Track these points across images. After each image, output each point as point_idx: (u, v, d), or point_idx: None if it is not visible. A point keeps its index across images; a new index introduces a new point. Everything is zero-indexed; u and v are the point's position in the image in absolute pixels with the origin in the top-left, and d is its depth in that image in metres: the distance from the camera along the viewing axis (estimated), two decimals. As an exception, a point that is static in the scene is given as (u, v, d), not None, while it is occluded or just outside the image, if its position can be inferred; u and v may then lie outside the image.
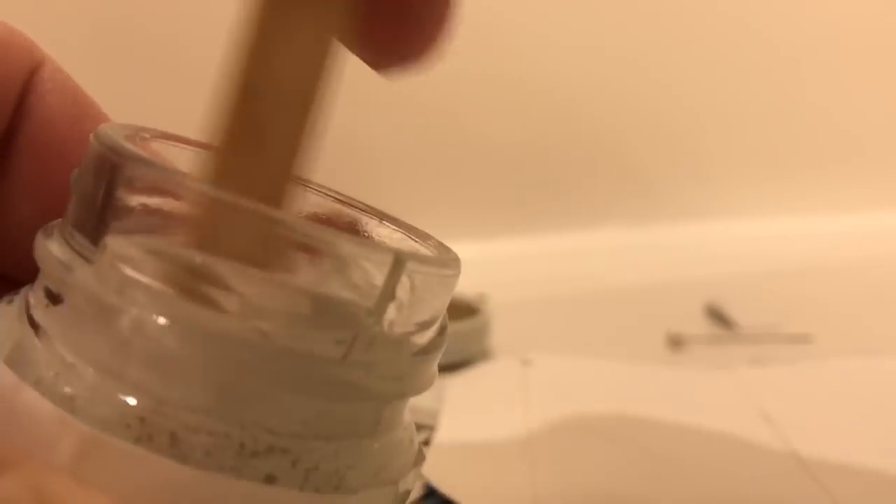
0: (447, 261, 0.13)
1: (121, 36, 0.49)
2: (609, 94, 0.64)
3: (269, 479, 0.11)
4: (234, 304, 0.11)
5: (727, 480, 0.27)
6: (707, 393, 0.35)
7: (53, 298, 0.11)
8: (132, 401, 0.10)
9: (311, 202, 0.15)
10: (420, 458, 0.13)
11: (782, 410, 0.32)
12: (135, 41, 0.50)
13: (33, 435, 0.10)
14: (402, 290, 0.12)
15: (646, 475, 0.28)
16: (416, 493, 0.26)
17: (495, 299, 0.43)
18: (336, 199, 0.15)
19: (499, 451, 0.29)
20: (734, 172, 0.68)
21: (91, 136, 0.12)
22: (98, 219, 0.11)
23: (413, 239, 0.14)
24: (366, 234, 0.15)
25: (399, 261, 0.11)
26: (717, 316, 0.46)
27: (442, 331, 0.13)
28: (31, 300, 0.12)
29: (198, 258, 0.11)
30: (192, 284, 0.11)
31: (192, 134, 0.14)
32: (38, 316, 0.11)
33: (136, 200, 0.11)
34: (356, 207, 0.15)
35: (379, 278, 0.11)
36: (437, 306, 0.13)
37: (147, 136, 0.13)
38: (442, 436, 0.30)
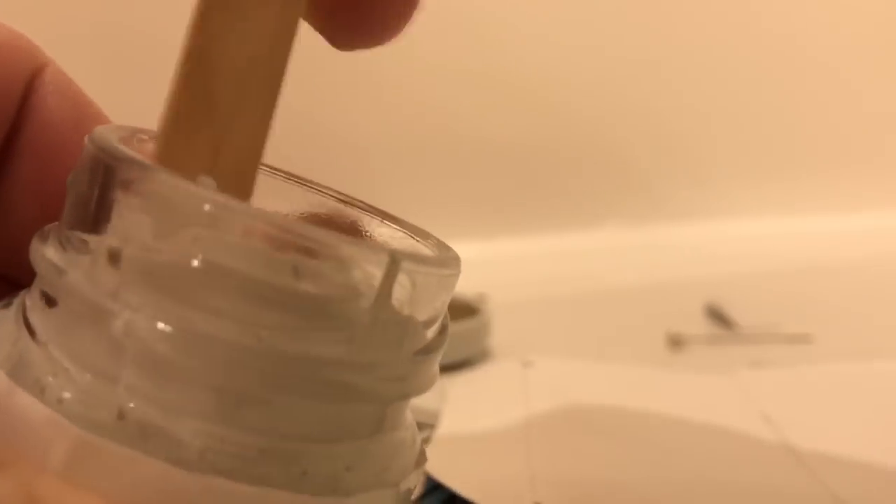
0: (446, 260, 0.13)
1: (122, 38, 0.50)
2: (609, 94, 0.64)
3: (267, 482, 0.10)
4: (230, 307, 0.11)
5: (727, 479, 0.27)
6: (707, 393, 0.35)
7: (48, 301, 0.11)
8: (126, 404, 0.10)
9: (311, 201, 0.15)
10: (422, 459, 0.13)
11: (782, 410, 0.32)
12: (136, 43, 0.50)
13: (27, 438, 0.10)
14: (401, 289, 0.12)
15: (645, 474, 0.28)
16: (417, 491, 0.26)
17: (495, 299, 0.43)
18: (337, 198, 0.15)
19: (498, 449, 0.29)
20: (734, 172, 0.68)
21: (85, 139, 0.12)
22: (92, 221, 0.11)
23: (414, 238, 0.14)
24: (366, 233, 0.15)
25: (394, 260, 0.11)
26: (717, 316, 0.46)
27: (443, 330, 0.13)
28: (28, 303, 0.12)
29: (193, 261, 0.11)
30: (187, 288, 0.11)
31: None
32: (34, 319, 0.11)
33: (129, 202, 0.11)
34: (357, 207, 0.15)
35: (376, 278, 0.11)
36: (437, 306, 0.13)
37: (145, 137, 0.13)
38: (442, 434, 0.30)
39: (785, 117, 0.70)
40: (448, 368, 0.35)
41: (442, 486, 0.25)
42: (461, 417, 0.32)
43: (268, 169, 0.15)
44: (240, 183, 0.12)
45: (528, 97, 0.61)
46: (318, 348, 0.11)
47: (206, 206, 0.11)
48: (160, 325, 0.10)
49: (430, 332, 0.13)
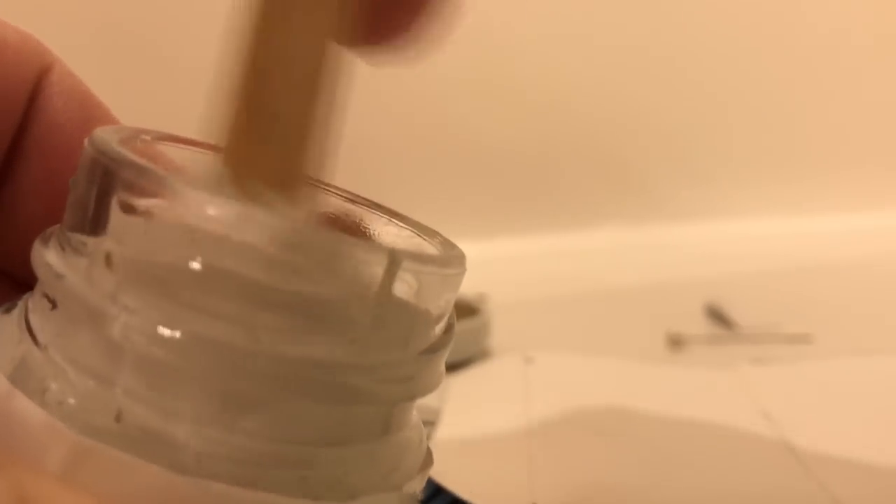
0: (449, 259, 0.13)
1: (127, 37, 0.50)
2: (608, 94, 0.64)
3: (265, 487, 0.10)
4: (227, 309, 0.10)
5: (727, 478, 0.27)
6: (708, 391, 0.35)
7: (49, 304, 0.11)
8: (124, 408, 0.10)
9: (318, 200, 0.15)
10: (428, 461, 0.13)
11: (782, 409, 0.32)
12: (141, 43, 0.50)
13: (25, 441, 0.10)
14: (404, 289, 0.12)
15: (645, 472, 0.28)
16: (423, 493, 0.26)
17: (495, 299, 0.43)
18: (343, 196, 0.15)
19: (499, 446, 0.29)
20: (734, 173, 0.68)
21: (85, 140, 0.12)
22: (91, 223, 0.11)
23: (420, 236, 0.14)
24: (371, 232, 0.15)
25: (395, 260, 0.11)
26: (717, 316, 0.46)
27: (449, 329, 0.13)
28: (30, 306, 0.12)
29: (192, 263, 0.11)
30: (185, 290, 0.11)
31: (198, 135, 0.14)
32: (35, 322, 0.11)
33: (126, 204, 0.11)
34: (363, 205, 0.15)
35: (377, 278, 0.11)
36: (441, 304, 0.12)
37: (148, 138, 0.13)
38: (443, 431, 0.30)
39: (784, 117, 0.70)
40: (448, 368, 0.35)
41: (444, 489, 0.25)
42: (462, 414, 0.32)
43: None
44: (301, 194, 0.12)
45: (527, 98, 0.61)
46: (319, 350, 0.11)
47: (204, 208, 0.11)
48: (158, 328, 0.10)
49: (436, 331, 0.13)
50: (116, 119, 0.15)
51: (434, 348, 0.12)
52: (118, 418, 0.10)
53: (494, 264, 0.48)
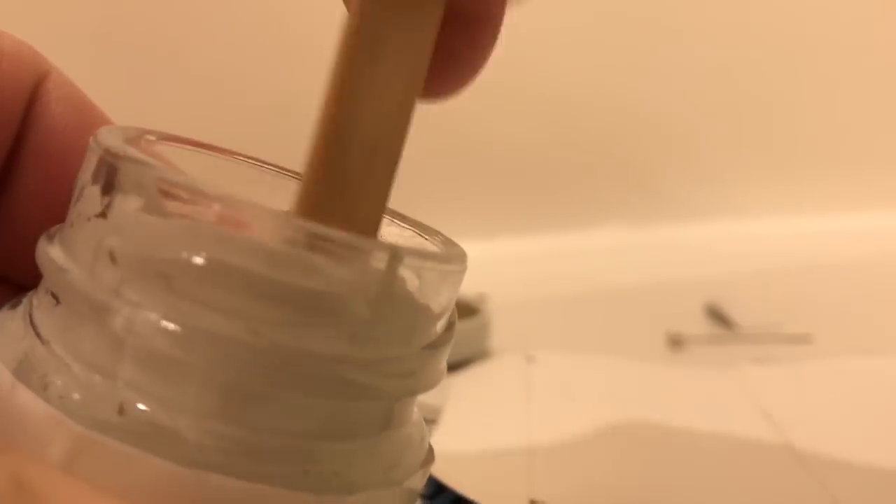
0: (450, 256, 0.13)
1: (125, 39, 0.50)
2: (608, 95, 0.64)
3: (265, 479, 0.10)
4: (228, 302, 0.11)
5: (727, 478, 0.27)
6: (708, 390, 0.35)
7: (53, 300, 0.11)
8: (126, 400, 0.10)
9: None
10: (430, 458, 0.13)
11: (782, 409, 0.32)
12: (139, 45, 0.50)
13: (27, 434, 0.10)
14: (406, 285, 0.12)
15: (645, 471, 0.28)
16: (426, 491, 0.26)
17: (495, 299, 0.43)
18: None
19: (499, 444, 0.29)
20: (734, 172, 0.68)
21: (91, 138, 0.12)
22: (95, 219, 0.11)
23: (421, 236, 0.14)
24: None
25: (396, 256, 0.11)
26: (717, 316, 0.46)
27: (450, 326, 0.13)
28: (35, 302, 0.12)
29: (194, 258, 0.11)
30: (187, 284, 0.11)
31: (196, 136, 0.14)
32: (39, 317, 0.12)
33: (133, 202, 0.11)
34: None
35: (378, 274, 0.11)
36: (442, 301, 0.13)
37: (152, 138, 0.14)
38: (444, 430, 0.30)
39: (784, 118, 0.70)
40: (448, 368, 0.35)
41: (447, 488, 0.25)
42: (463, 413, 0.32)
43: (277, 168, 0.15)
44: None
45: (528, 99, 0.61)
46: (319, 344, 0.11)
47: (207, 202, 0.11)
48: (160, 322, 0.10)
49: (438, 328, 0.13)
50: (113, 122, 0.15)
51: (436, 344, 0.12)
52: (121, 411, 0.10)
53: (494, 264, 0.48)
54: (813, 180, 0.70)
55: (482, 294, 0.43)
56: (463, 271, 0.13)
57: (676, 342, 0.42)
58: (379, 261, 0.11)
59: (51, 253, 0.12)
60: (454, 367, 0.37)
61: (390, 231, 0.15)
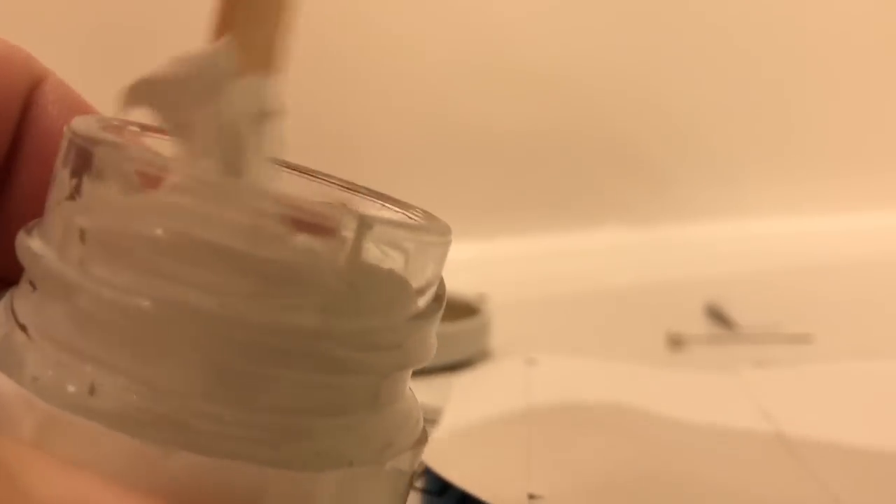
0: (429, 227, 0.13)
1: (121, 38, 0.50)
2: (609, 94, 0.64)
3: (237, 456, 0.10)
4: (198, 278, 0.11)
5: (726, 478, 0.27)
6: (708, 391, 0.35)
7: (31, 287, 0.12)
8: (97, 379, 0.10)
9: (300, 186, 0.15)
10: (423, 438, 0.13)
11: (782, 409, 0.32)
12: (134, 44, 0.50)
13: (1, 415, 0.11)
14: (382, 257, 0.11)
15: (645, 471, 0.28)
16: (432, 488, 0.26)
17: (495, 299, 0.43)
18: (323, 180, 0.15)
19: (499, 444, 0.29)
20: (734, 172, 0.68)
21: (65, 128, 0.12)
22: (65, 201, 0.12)
23: (402, 212, 0.14)
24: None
25: (364, 223, 0.11)
26: (717, 316, 0.46)
27: (438, 299, 0.13)
28: (16, 293, 0.12)
29: (159, 231, 0.11)
30: (153, 258, 0.11)
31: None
32: (18, 305, 0.12)
33: (101, 181, 0.11)
34: (343, 187, 0.15)
35: (347, 243, 0.11)
36: (426, 274, 0.12)
37: (136, 128, 0.14)
38: (444, 429, 0.30)
39: (785, 118, 0.70)
40: (448, 369, 0.35)
41: (453, 486, 0.25)
42: (465, 414, 0.32)
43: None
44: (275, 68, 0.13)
45: (528, 98, 0.61)
46: (289, 316, 0.11)
47: (170, 175, 0.11)
48: (126, 298, 0.10)
49: (423, 300, 0.12)
50: None
51: (421, 316, 0.12)
52: (91, 391, 0.10)
53: (494, 264, 0.48)
54: (813, 180, 0.70)
55: (482, 294, 0.43)
56: (446, 243, 0.13)
57: (676, 342, 0.42)
58: (348, 230, 0.11)
59: (27, 242, 0.12)
60: (454, 367, 0.37)
61: (369, 207, 0.15)
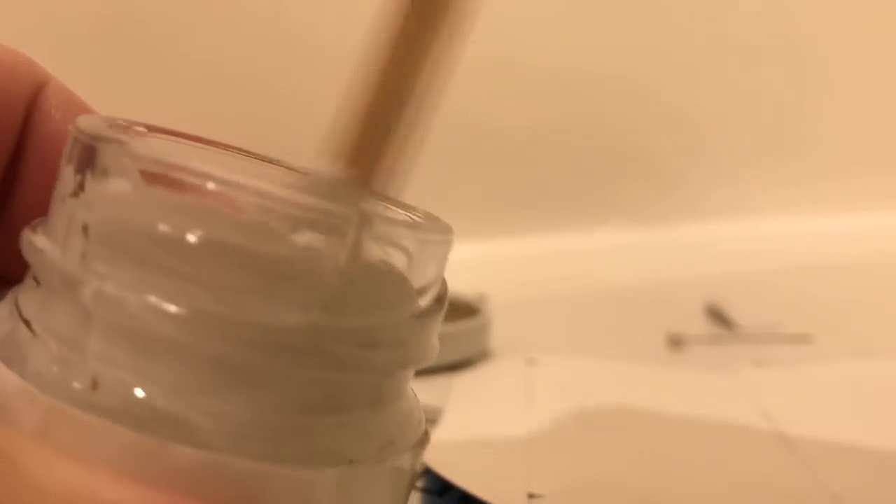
0: (430, 226, 0.13)
1: (120, 37, 0.50)
2: (609, 95, 0.64)
3: (239, 452, 0.10)
4: (198, 274, 0.11)
5: (726, 477, 0.27)
6: (709, 391, 0.35)
7: (35, 283, 0.12)
8: (98, 374, 0.11)
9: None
10: (425, 439, 0.13)
11: (782, 409, 0.32)
12: (135, 46, 0.50)
13: (4, 408, 0.11)
14: (382, 256, 0.11)
15: (645, 470, 0.28)
16: (434, 488, 0.26)
17: (495, 299, 0.43)
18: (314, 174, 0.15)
19: (499, 443, 0.29)
20: (734, 172, 0.68)
21: (70, 126, 0.12)
22: (69, 198, 0.12)
23: (404, 212, 0.14)
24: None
25: (364, 219, 0.11)
26: (717, 316, 0.46)
27: (440, 299, 0.13)
28: (21, 288, 0.12)
29: (162, 228, 0.11)
30: (155, 255, 0.11)
31: (190, 130, 0.14)
32: (22, 300, 0.12)
33: (104, 178, 0.11)
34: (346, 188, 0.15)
35: (347, 240, 0.11)
36: (428, 273, 0.12)
37: (142, 129, 0.14)
38: (444, 429, 0.30)
39: (785, 118, 0.70)
40: (448, 369, 0.35)
41: (454, 486, 0.25)
42: (464, 412, 0.32)
43: (268, 159, 0.15)
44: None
45: (529, 97, 0.61)
46: (288, 312, 0.11)
47: (172, 172, 0.11)
48: (126, 293, 0.10)
49: (425, 299, 0.12)
50: None
51: (423, 315, 0.12)
52: (94, 385, 0.11)
53: (494, 264, 0.48)
54: (814, 180, 0.70)
55: (482, 294, 0.43)
56: (447, 242, 0.13)
57: (676, 342, 0.42)
58: (348, 227, 0.11)
59: (32, 238, 0.12)
60: (454, 367, 0.37)
61: (369, 206, 0.15)
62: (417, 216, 0.14)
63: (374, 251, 0.11)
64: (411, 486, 0.13)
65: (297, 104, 0.49)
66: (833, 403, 0.34)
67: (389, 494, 0.12)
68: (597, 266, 0.56)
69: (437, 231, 0.13)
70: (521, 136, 0.61)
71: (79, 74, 0.16)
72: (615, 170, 0.65)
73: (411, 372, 0.13)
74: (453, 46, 0.14)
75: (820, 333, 0.42)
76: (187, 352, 0.11)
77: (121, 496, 0.09)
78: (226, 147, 0.15)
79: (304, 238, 0.11)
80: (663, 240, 0.61)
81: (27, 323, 0.11)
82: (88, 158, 0.11)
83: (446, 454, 0.27)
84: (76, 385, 0.11)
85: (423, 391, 0.14)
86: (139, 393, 0.10)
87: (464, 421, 0.31)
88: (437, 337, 0.13)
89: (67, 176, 0.12)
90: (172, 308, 0.10)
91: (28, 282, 0.12)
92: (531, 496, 0.25)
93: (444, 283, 0.13)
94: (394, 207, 0.15)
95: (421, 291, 0.12)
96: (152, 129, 0.14)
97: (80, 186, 0.11)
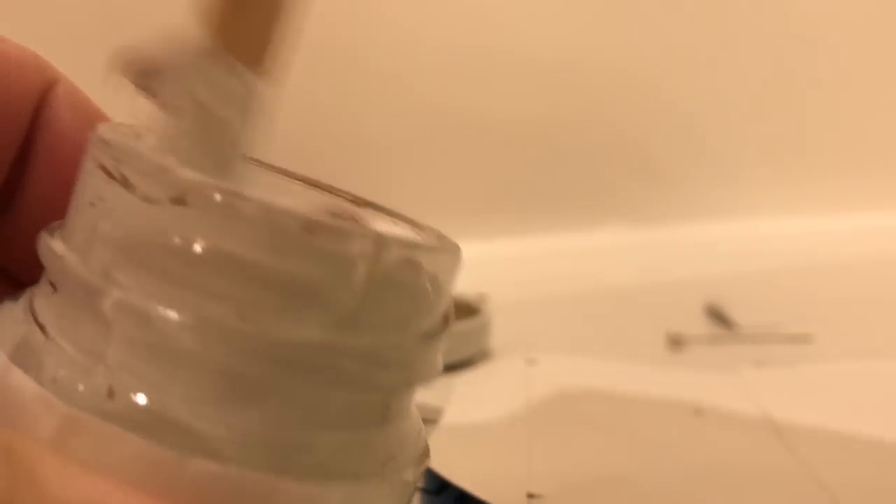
0: (442, 247, 0.13)
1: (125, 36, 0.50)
2: (610, 94, 0.64)
3: (255, 466, 0.11)
4: (219, 289, 0.11)
5: (726, 477, 0.27)
6: (709, 391, 0.35)
7: (51, 288, 0.12)
8: (115, 383, 0.11)
9: (311, 199, 0.15)
10: (426, 453, 0.13)
11: (782, 409, 0.32)
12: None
13: (19, 414, 0.11)
14: (396, 275, 0.12)
15: (645, 470, 0.28)
16: (430, 487, 0.26)
17: (495, 299, 0.43)
18: (339, 195, 0.15)
19: (498, 443, 0.29)
20: (734, 172, 0.68)
21: (91, 132, 0.12)
22: (87, 207, 0.12)
23: (414, 230, 0.15)
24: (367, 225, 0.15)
25: (382, 243, 0.11)
26: (717, 316, 0.46)
27: (446, 319, 0.13)
28: (36, 292, 0.12)
29: (179, 241, 0.11)
30: (175, 268, 0.11)
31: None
32: (38, 305, 0.12)
33: (127, 189, 0.11)
34: (358, 203, 0.15)
35: (364, 261, 0.11)
36: (439, 295, 0.13)
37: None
38: (444, 429, 0.30)
39: (785, 118, 0.70)
40: (448, 368, 0.35)
41: (451, 485, 0.25)
42: (465, 413, 0.32)
43: (281, 170, 0.15)
44: (269, 70, 0.13)
45: (529, 97, 0.61)
46: (306, 330, 0.11)
47: (190, 186, 0.11)
48: (147, 305, 0.11)
49: (433, 319, 0.13)
50: None
51: (431, 335, 0.12)
52: (110, 394, 0.11)
53: (494, 264, 0.48)
54: (813, 180, 0.70)
55: (482, 294, 0.43)
56: (457, 263, 0.13)
57: (676, 342, 0.42)
58: (365, 247, 0.11)
59: (50, 244, 0.12)
60: (454, 367, 0.37)
61: (383, 225, 0.15)
62: (428, 236, 0.14)
63: (388, 271, 0.11)
64: (412, 499, 0.13)
65: (290, 98, 0.49)
66: (833, 403, 0.34)
67: None
68: (597, 266, 0.56)
69: (448, 252, 0.13)
70: (520, 135, 0.61)
71: (83, 74, 0.16)
72: (615, 170, 0.65)
73: (415, 389, 0.13)
74: None
75: (820, 333, 0.42)
76: (204, 364, 0.11)
77: None
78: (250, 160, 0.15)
79: (321, 255, 0.11)
80: (663, 240, 0.61)
81: (42, 328, 0.12)
82: (109, 168, 0.11)
83: (445, 453, 0.27)
84: (93, 393, 0.11)
85: (423, 391, 0.14)
86: (154, 403, 0.11)
87: (463, 420, 0.31)
88: (442, 356, 0.13)
89: (88, 184, 0.12)
90: (192, 321, 0.10)
91: (44, 286, 0.12)
92: (530, 496, 0.25)
93: (450, 303, 0.13)
94: (403, 223, 0.15)
95: (430, 311, 0.12)
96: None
97: (102, 196, 0.12)
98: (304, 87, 0.51)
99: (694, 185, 0.67)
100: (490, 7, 0.59)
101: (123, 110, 0.16)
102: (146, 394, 0.11)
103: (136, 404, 0.11)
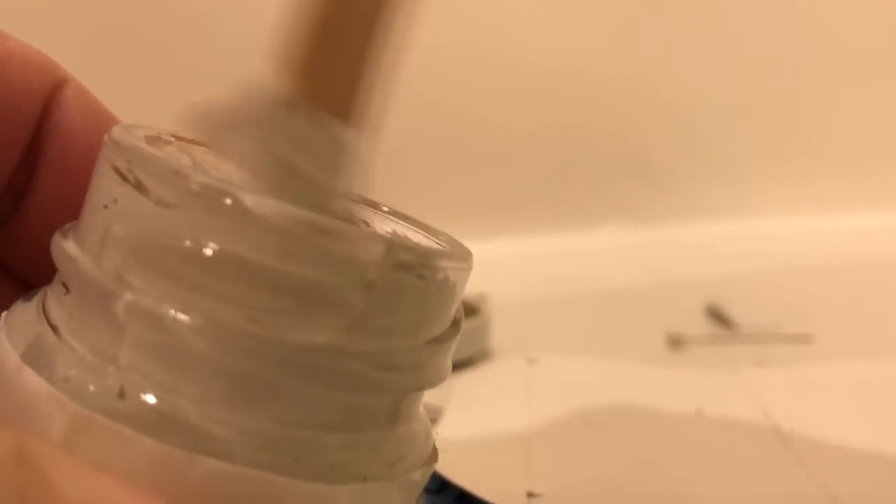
0: (452, 252, 0.13)
1: (133, 36, 0.50)
2: (610, 95, 0.64)
3: (265, 467, 0.11)
4: (225, 289, 0.11)
5: (726, 477, 0.27)
6: (709, 391, 0.35)
7: (64, 289, 0.12)
8: (126, 384, 0.11)
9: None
10: (434, 455, 0.13)
11: (783, 409, 0.32)
12: (147, 42, 0.50)
13: (31, 413, 0.11)
14: (406, 280, 0.12)
15: (644, 470, 0.28)
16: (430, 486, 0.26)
17: (496, 299, 0.43)
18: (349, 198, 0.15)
19: (498, 442, 0.29)
20: (734, 172, 0.68)
21: (105, 135, 0.12)
22: (101, 209, 0.12)
23: (425, 234, 0.15)
24: (376, 228, 0.15)
25: (392, 248, 0.11)
26: (717, 316, 0.46)
27: (455, 323, 0.13)
28: (48, 292, 0.12)
29: (191, 244, 0.11)
30: (187, 271, 0.11)
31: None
32: (50, 306, 0.12)
33: (140, 191, 0.11)
34: (368, 206, 0.15)
35: (375, 265, 0.11)
36: (450, 301, 0.13)
37: (170, 138, 0.14)
38: (445, 429, 0.30)
39: (785, 118, 0.70)
40: (448, 368, 0.35)
41: (451, 484, 0.25)
42: (465, 413, 0.32)
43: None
44: (353, 121, 0.13)
45: (529, 98, 0.61)
46: (316, 334, 0.11)
47: (202, 190, 0.11)
48: (159, 308, 0.11)
49: (443, 323, 0.13)
50: None
51: (441, 339, 0.13)
52: (121, 395, 0.11)
53: (495, 264, 0.48)
54: (813, 180, 0.70)
55: (482, 294, 0.43)
56: (468, 269, 0.13)
57: (676, 342, 0.42)
58: (376, 251, 0.11)
59: (63, 245, 0.12)
60: (454, 367, 0.37)
61: (394, 230, 0.15)
62: (440, 241, 0.14)
63: (399, 275, 0.12)
64: (418, 501, 0.13)
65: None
66: (833, 403, 0.34)
67: None
68: (597, 266, 0.56)
69: (460, 258, 0.13)
70: (521, 136, 0.61)
71: (91, 75, 0.16)
72: (615, 170, 0.65)
73: (424, 392, 0.13)
74: None
75: (820, 333, 0.42)
76: (215, 366, 0.11)
77: None
78: None
79: (332, 259, 0.11)
80: (663, 240, 0.61)
81: (55, 329, 0.12)
82: (123, 171, 0.12)
83: (446, 453, 0.27)
84: (104, 393, 0.11)
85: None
86: (165, 403, 0.11)
87: (464, 420, 0.31)
88: (451, 359, 0.13)
89: (102, 186, 0.12)
90: (203, 324, 0.11)
91: (56, 287, 0.12)
92: (530, 495, 0.25)
93: (460, 307, 0.13)
94: (414, 227, 0.15)
95: (441, 315, 0.13)
96: (187, 140, 0.14)
97: (114, 198, 0.12)
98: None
99: (694, 185, 0.67)
100: (490, 8, 0.59)
101: (131, 111, 0.16)
102: (156, 395, 0.11)
103: (146, 405, 0.11)
